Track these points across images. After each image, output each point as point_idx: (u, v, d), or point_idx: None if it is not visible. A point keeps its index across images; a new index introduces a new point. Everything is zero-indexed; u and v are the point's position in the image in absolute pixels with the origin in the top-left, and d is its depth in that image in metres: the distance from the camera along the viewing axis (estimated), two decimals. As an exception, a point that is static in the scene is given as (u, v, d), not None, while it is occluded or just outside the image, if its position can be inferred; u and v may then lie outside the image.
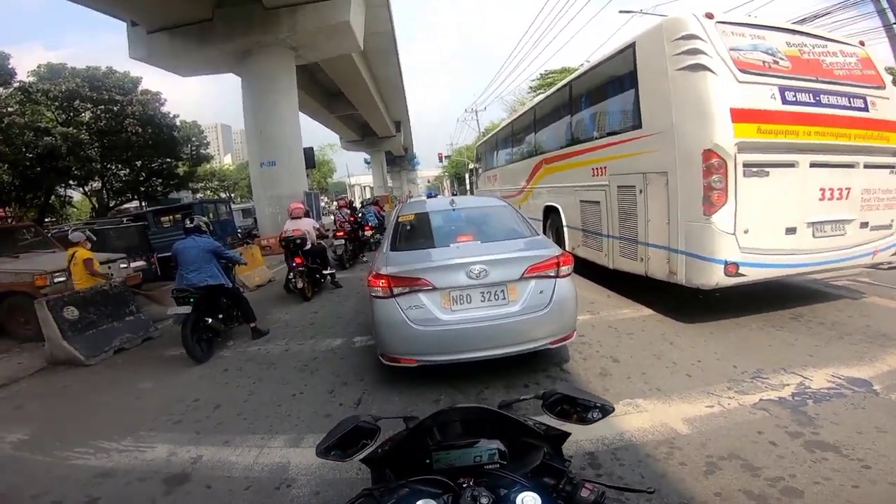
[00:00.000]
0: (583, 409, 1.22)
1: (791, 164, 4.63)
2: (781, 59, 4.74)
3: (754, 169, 4.50)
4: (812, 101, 4.69)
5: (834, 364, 3.71)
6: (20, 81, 19.48)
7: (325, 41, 15.28)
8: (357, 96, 27.71)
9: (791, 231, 4.66)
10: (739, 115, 4.43)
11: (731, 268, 4.43)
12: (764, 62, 4.66)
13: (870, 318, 4.74)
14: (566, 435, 1.22)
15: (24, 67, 21.38)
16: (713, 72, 4.45)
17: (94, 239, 7.00)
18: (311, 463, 2.88)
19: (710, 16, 4.63)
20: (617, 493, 1.01)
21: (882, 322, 4.60)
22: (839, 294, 5.68)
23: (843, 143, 4.76)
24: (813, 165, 4.68)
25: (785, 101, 4.58)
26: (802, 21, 11.24)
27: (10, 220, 12.21)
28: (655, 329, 4.92)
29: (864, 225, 4.96)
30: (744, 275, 4.47)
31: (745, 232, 4.47)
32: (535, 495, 0.92)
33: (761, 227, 4.54)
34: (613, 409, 1.23)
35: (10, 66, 18.46)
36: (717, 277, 4.47)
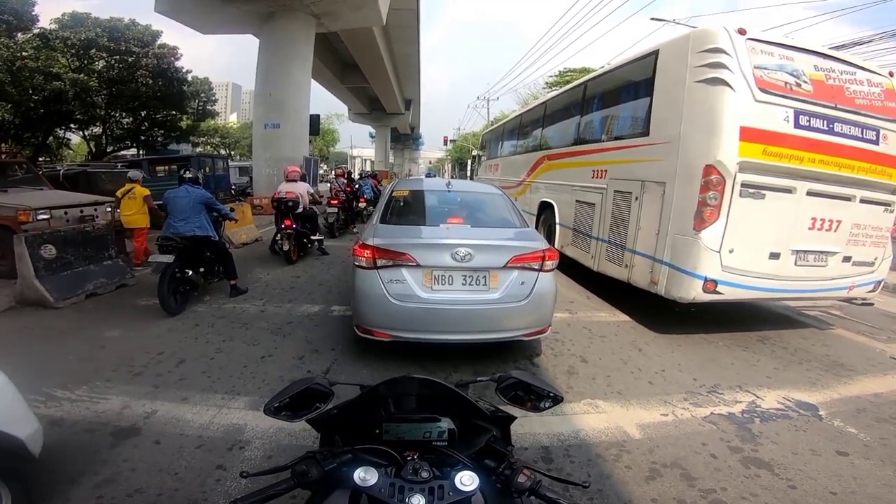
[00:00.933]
0: (536, 396, 1.23)
1: (788, 190, 4.62)
2: (805, 82, 4.64)
3: (751, 190, 4.49)
4: (825, 128, 4.62)
5: (787, 387, 3.84)
6: (41, 28, 19.33)
7: (348, 11, 15.12)
8: (372, 70, 27.39)
9: (774, 256, 4.68)
10: (748, 135, 4.38)
11: (710, 285, 4.47)
12: (786, 83, 4.57)
13: (831, 349, 4.86)
14: (512, 418, 1.23)
15: (49, 15, 21.03)
16: (732, 88, 4.36)
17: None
18: (268, 427, 2.89)
19: (742, 31, 4.51)
20: (552, 483, 1.02)
21: (842, 353, 4.73)
22: (808, 323, 5.82)
23: (845, 175, 4.73)
24: (810, 194, 4.67)
25: (797, 126, 4.52)
26: (841, 47, 11.06)
27: (2, 156, 12.03)
28: (627, 335, 4.97)
29: (846, 259, 4.99)
30: (720, 293, 4.50)
31: (730, 251, 4.49)
32: (473, 474, 0.93)
33: (746, 248, 4.56)
34: (563, 399, 1.24)
35: (33, 13, 18.28)
36: (694, 292, 4.51)
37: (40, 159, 21.60)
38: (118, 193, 7.59)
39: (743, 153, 4.37)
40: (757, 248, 4.62)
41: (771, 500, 2.43)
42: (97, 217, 7.45)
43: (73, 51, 20.06)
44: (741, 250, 4.53)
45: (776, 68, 4.57)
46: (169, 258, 5.09)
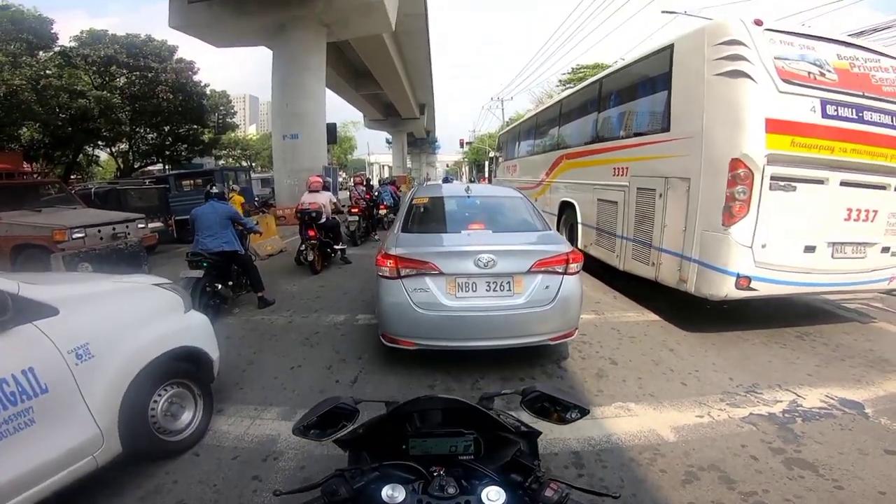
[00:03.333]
0: (562, 408, 1.22)
1: (820, 181, 4.47)
2: (829, 71, 4.50)
3: (781, 183, 4.36)
4: (854, 116, 4.47)
5: (830, 385, 3.69)
6: (61, 46, 19.88)
7: (358, 19, 15.30)
8: (384, 77, 27.64)
9: (810, 249, 4.53)
10: (774, 127, 4.26)
11: (743, 281, 4.35)
12: (809, 73, 4.44)
13: (875, 343, 4.65)
14: (538, 433, 1.24)
15: (67, 33, 21.74)
16: (753, 79, 4.25)
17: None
18: (299, 438, 2.92)
19: (759, 22, 4.40)
20: (581, 495, 1.01)
21: (887, 348, 4.52)
22: (849, 317, 5.58)
23: (879, 164, 4.56)
24: (843, 184, 4.52)
25: (825, 115, 4.38)
26: (861, 34, 10.68)
27: (35, 176, 12.55)
28: (658, 335, 4.87)
29: (885, 250, 4.81)
30: (755, 289, 4.38)
31: (763, 246, 4.37)
32: (500, 489, 0.94)
33: (780, 242, 4.43)
34: (589, 412, 1.23)
35: (52, 31, 18.86)
36: (727, 289, 4.39)
37: (72, 177, 22.33)
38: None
39: (770, 145, 4.25)
40: (791, 242, 4.48)
41: (816, 502, 2.35)
42: (129, 234, 7.69)
43: (94, 68, 20.53)
44: (774, 245, 4.39)
45: (798, 58, 4.45)
46: (199, 273, 5.24)
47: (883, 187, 4.69)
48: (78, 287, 2.66)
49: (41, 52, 19.19)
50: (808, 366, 4.10)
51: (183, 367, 2.87)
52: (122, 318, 2.55)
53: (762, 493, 2.41)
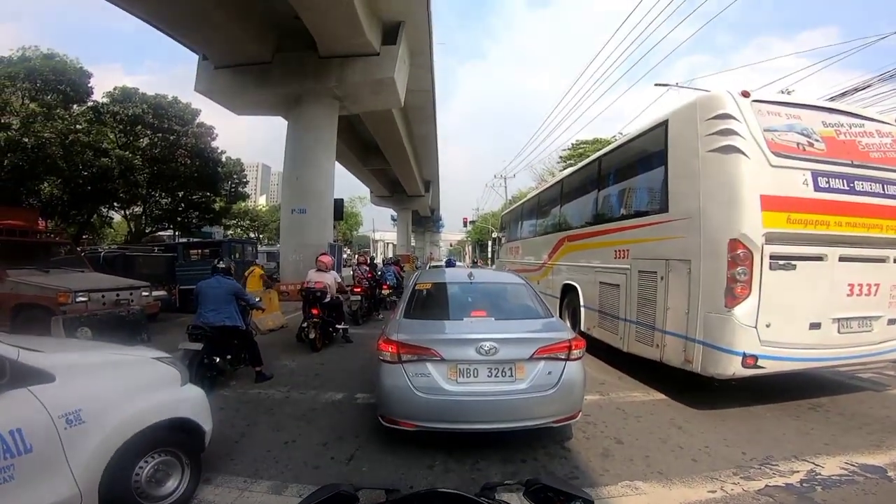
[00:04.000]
0: (566, 497, 1.21)
1: (819, 258, 4.49)
2: (817, 140, 4.58)
3: (781, 262, 4.37)
4: (845, 187, 4.52)
5: (849, 452, 3.58)
6: (94, 101, 20.42)
7: (368, 94, 16.17)
8: (392, 151, 28.81)
9: (815, 326, 4.49)
10: (769, 203, 4.30)
11: (750, 360, 4.29)
12: (798, 144, 4.50)
13: (892, 410, 4.58)
14: None
15: (102, 88, 22.47)
16: (746, 155, 4.30)
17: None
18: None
19: (745, 94, 4.50)
20: None
21: (903, 413, 4.38)
22: (862, 386, 5.49)
23: (875, 236, 4.62)
24: (842, 259, 4.54)
25: (818, 188, 4.43)
26: (842, 95, 11.18)
27: (49, 235, 12.77)
28: (665, 413, 4.73)
29: (892, 321, 4.76)
30: (762, 367, 4.32)
31: (767, 326, 4.34)
32: None
33: (784, 321, 4.40)
34: (593, 502, 1.22)
35: (89, 85, 19.43)
36: (734, 368, 4.32)
37: (83, 237, 22.55)
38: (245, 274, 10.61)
39: (767, 223, 4.29)
40: (795, 320, 4.45)
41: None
42: (132, 301, 7.70)
43: (120, 126, 21.00)
44: (779, 323, 4.36)
45: (786, 129, 4.53)
46: (198, 346, 5.22)
47: (882, 260, 4.70)
48: (77, 356, 2.81)
49: (75, 106, 19.55)
50: (824, 436, 3.99)
51: (173, 437, 2.92)
52: (117, 389, 2.64)
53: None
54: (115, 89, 21.84)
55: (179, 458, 2.92)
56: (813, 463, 3.43)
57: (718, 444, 3.92)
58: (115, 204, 23.49)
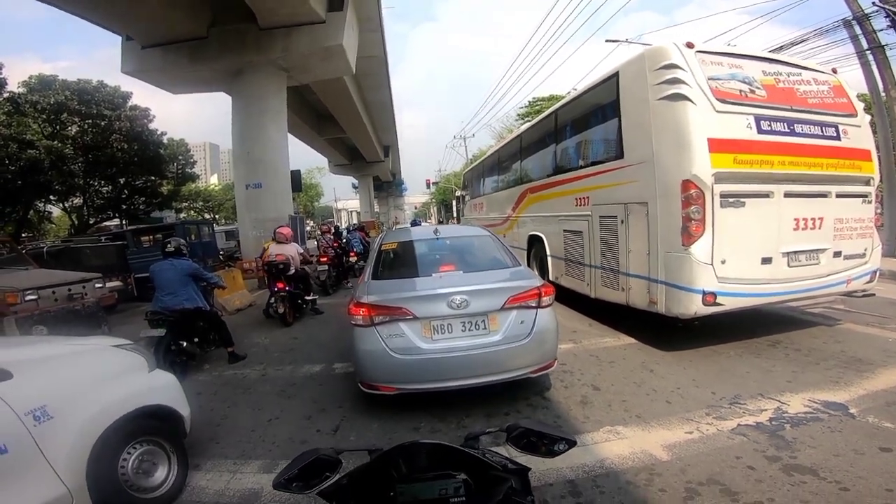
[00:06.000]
0: (549, 440, 1.23)
1: (766, 195, 4.74)
2: (758, 87, 4.83)
3: (730, 199, 4.59)
4: (786, 130, 4.80)
5: (810, 389, 3.80)
6: (10, 92, 19.16)
7: (317, 63, 15.40)
8: (347, 120, 27.87)
9: (767, 261, 4.76)
10: (716, 146, 4.51)
11: (709, 297, 4.50)
12: (741, 91, 4.74)
13: (844, 344, 4.87)
14: (526, 469, 1.22)
15: (17, 78, 20.98)
16: (693, 101, 4.51)
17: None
18: (282, 491, 2.79)
19: (690, 45, 4.71)
20: None
21: (857, 348, 4.73)
22: (815, 321, 5.83)
23: (816, 173, 4.89)
24: (787, 195, 4.81)
25: (760, 131, 4.68)
26: (780, 49, 11.56)
27: (-15, 236, 11.92)
28: (636, 357, 4.95)
29: (837, 254, 5.09)
30: (721, 304, 4.54)
31: (723, 262, 4.55)
32: None
33: (738, 257, 4.63)
34: (576, 443, 1.25)
35: (1, 76, 18.10)
36: (695, 307, 4.54)
37: (23, 235, 21.28)
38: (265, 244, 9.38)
39: (715, 164, 4.49)
40: (748, 255, 4.70)
41: (825, 504, 2.35)
42: (86, 294, 7.32)
43: (44, 116, 19.93)
44: (733, 259, 4.60)
45: (728, 77, 4.76)
46: (160, 332, 5.06)
47: (824, 195, 4.99)
48: (32, 350, 2.74)
49: None
50: (785, 373, 4.23)
51: (152, 425, 2.88)
52: (80, 380, 2.57)
53: (767, 501, 2.43)
54: (30, 78, 20.55)
55: (163, 447, 2.88)
56: (778, 401, 3.62)
57: (689, 385, 4.11)
58: (52, 197, 22.39)
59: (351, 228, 17.23)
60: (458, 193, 23.54)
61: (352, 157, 43.82)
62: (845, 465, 2.70)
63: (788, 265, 4.87)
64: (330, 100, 23.08)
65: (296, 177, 17.30)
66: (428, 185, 47.05)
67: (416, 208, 75.21)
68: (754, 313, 5.62)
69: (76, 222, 24.62)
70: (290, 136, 18.10)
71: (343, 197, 70.64)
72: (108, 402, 2.58)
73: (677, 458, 2.93)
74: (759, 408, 3.54)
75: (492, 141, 34.69)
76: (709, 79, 4.64)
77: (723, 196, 4.56)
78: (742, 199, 4.64)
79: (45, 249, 10.67)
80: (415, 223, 8.04)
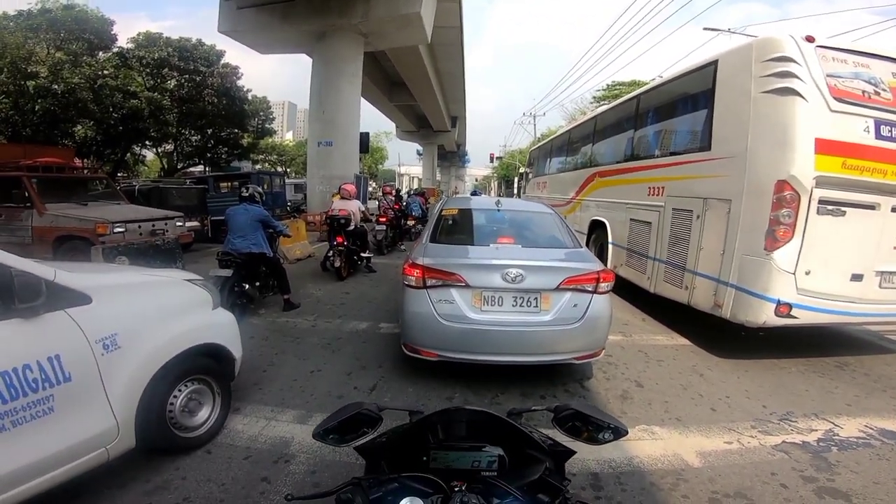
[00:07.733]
0: (595, 428, 1.16)
1: (872, 206, 4.27)
2: (884, 90, 4.31)
3: (830, 207, 4.18)
4: None
5: (870, 415, 3.53)
6: (119, 47, 21.11)
7: (394, 30, 15.54)
8: (418, 88, 27.95)
9: (857, 278, 4.31)
10: (825, 147, 4.09)
11: (784, 308, 4.15)
12: (864, 92, 4.25)
13: None
14: (571, 452, 1.17)
15: (126, 35, 23.11)
16: (804, 97, 4.09)
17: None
18: (314, 441, 2.88)
19: (811, 39, 4.25)
20: None
21: (931, 380, 4.25)
22: (892, 348, 5.31)
23: None
24: (895, 210, 4.30)
25: (879, 136, 4.19)
26: None
27: (85, 171, 13.18)
28: (687, 359, 4.68)
29: None
30: (795, 317, 4.18)
31: (807, 273, 4.17)
32: None
33: (825, 269, 4.22)
34: (627, 433, 1.17)
35: (113, 32, 20.05)
36: (765, 316, 4.20)
37: (118, 175, 23.44)
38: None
39: (820, 167, 4.06)
40: (837, 269, 4.27)
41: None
42: (167, 231, 7.94)
43: (147, 69, 21.69)
44: (819, 271, 4.19)
45: (851, 76, 4.27)
46: (228, 272, 5.34)
47: None
48: (111, 277, 2.68)
49: (101, 53, 20.38)
50: (847, 396, 3.91)
51: (205, 364, 2.87)
52: (151, 311, 2.55)
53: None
54: (138, 35, 22.34)
55: (211, 387, 2.89)
56: (832, 423, 3.38)
57: (739, 395, 3.87)
58: (147, 142, 24.54)
59: (412, 193, 17.41)
60: (521, 170, 23.07)
61: (419, 124, 44.03)
62: (881, 493, 2.54)
63: (880, 286, 4.39)
64: (403, 67, 23.22)
65: (364, 139, 17.77)
66: (491, 160, 46.46)
67: (476, 181, 74.72)
68: (826, 330, 5.20)
69: (166, 166, 26.79)
70: (362, 99, 18.42)
71: (406, 162, 71.42)
72: (173, 335, 2.57)
73: (709, 467, 2.80)
74: (809, 427, 3.32)
75: (562, 122, 33.43)
76: (828, 76, 4.16)
77: (822, 202, 4.15)
78: (843, 208, 4.20)
79: (136, 188, 11.67)
80: (475, 193, 7.95)
